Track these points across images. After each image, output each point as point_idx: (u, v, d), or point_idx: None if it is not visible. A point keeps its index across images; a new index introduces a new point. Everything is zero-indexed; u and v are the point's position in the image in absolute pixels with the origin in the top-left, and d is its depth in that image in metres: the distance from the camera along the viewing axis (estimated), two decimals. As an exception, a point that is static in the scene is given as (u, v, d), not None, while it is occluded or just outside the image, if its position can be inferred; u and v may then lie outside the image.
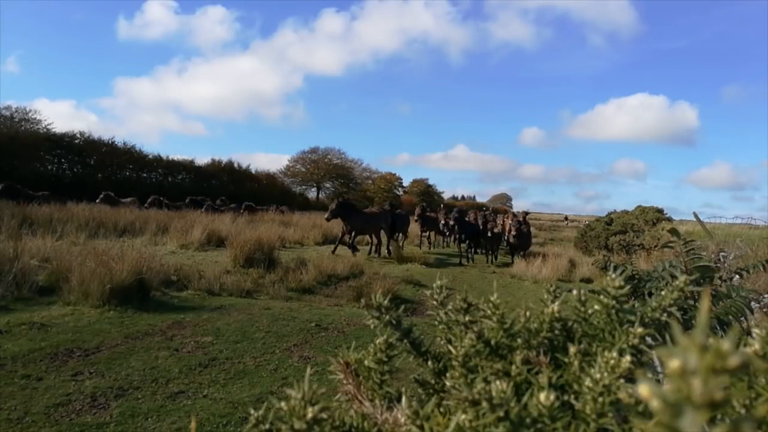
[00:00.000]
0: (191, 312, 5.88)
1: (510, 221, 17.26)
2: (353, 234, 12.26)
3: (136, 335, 4.83)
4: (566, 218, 63.26)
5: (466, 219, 15.25)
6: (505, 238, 14.97)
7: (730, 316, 1.27)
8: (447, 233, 15.28)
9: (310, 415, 0.42)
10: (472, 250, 14.84)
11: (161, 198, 19.56)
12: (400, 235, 15.40)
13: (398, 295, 7.43)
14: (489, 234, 13.94)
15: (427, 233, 16.69)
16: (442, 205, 23.35)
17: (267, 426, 0.44)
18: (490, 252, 14.61)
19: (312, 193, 45.59)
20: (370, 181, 51.30)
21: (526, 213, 20.05)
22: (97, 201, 16.57)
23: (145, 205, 18.13)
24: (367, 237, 14.52)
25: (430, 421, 0.47)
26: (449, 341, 0.62)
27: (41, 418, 3.04)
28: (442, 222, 15.84)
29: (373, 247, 13.54)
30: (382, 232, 13.88)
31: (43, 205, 12.68)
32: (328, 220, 12.30)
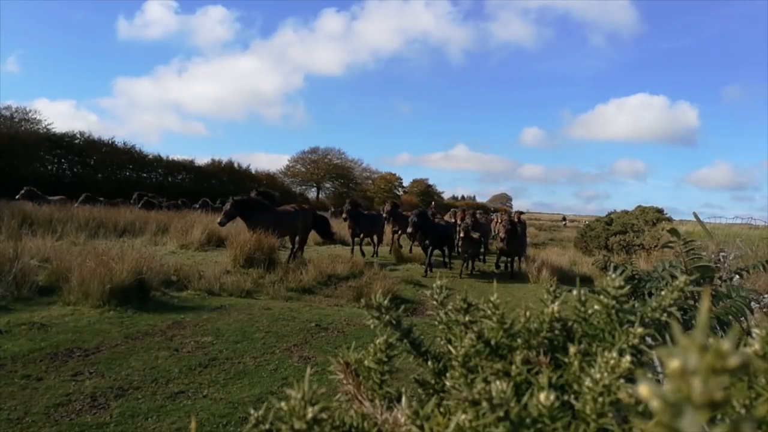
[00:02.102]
0: (191, 312, 5.88)
1: (500, 222, 15.09)
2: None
3: (136, 335, 4.83)
4: (564, 218, 57.08)
5: (436, 219, 12.72)
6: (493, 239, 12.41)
7: (730, 316, 1.27)
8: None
9: (310, 415, 0.42)
10: (446, 256, 12.10)
11: (95, 196, 18.20)
12: (375, 237, 13.47)
13: (398, 295, 7.43)
14: (462, 236, 11.01)
15: (399, 233, 13.98)
16: (433, 203, 22.74)
17: (267, 426, 0.44)
18: (468, 259, 11.57)
19: (312, 193, 45.62)
20: (370, 181, 51.33)
21: (521, 213, 19.03)
22: (17, 197, 14.81)
23: (76, 204, 16.21)
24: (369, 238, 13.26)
25: (430, 421, 0.47)
26: (449, 341, 0.62)
27: (41, 418, 3.04)
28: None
29: (291, 253, 10.69)
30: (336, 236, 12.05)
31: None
32: (221, 224, 9.71)
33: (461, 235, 10.83)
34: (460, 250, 11.64)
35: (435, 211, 16.48)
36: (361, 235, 12.93)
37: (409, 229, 10.97)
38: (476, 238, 11.20)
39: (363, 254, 12.53)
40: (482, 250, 12.83)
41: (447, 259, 12.13)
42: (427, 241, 11.16)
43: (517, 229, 11.40)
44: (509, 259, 11.89)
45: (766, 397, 0.43)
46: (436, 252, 11.85)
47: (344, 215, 12.66)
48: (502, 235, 10.96)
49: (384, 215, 13.12)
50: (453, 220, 14.43)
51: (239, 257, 8.85)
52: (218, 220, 9.89)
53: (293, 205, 11.42)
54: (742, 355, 0.24)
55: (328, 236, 12.50)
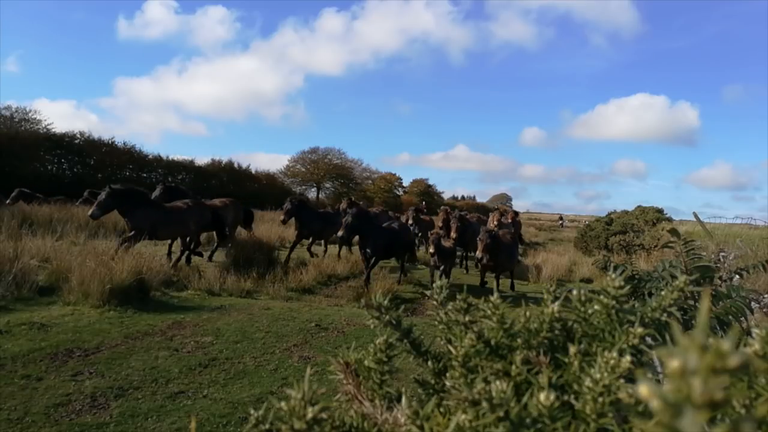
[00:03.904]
0: (191, 312, 5.88)
1: (494, 223, 13.43)
2: (136, 237, 7.87)
3: (136, 335, 4.83)
4: (561, 218, 50.14)
5: (377, 217, 10.35)
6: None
7: (730, 316, 1.27)
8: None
9: (310, 415, 0.42)
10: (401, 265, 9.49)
11: (30, 191, 15.40)
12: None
13: (398, 295, 7.43)
14: (432, 251, 8.39)
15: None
16: (423, 203, 21.72)
17: (267, 426, 0.44)
18: (437, 270, 8.65)
19: (312, 193, 45.56)
20: (370, 182, 51.27)
21: (516, 213, 16.68)
22: None
23: (8, 201, 14.22)
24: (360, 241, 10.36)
25: (430, 421, 0.47)
26: (449, 341, 0.62)
27: (41, 418, 3.04)
28: (409, 222, 12.39)
29: (183, 256, 8.80)
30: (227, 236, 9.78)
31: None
32: (94, 217, 8.05)
33: (431, 250, 8.34)
34: (434, 264, 8.74)
35: (425, 211, 15.61)
36: (311, 238, 10.88)
37: (340, 233, 8.31)
38: (450, 246, 8.82)
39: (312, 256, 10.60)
40: (458, 257, 10.61)
41: (401, 271, 9.45)
42: (368, 249, 8.51)
43: (499, 241, 8.62)
44: (494, 272, 8.93)
45: (766, 397, 0.43)
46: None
47: (282, 216, 10.39)
48: (479, 253, 8.26)
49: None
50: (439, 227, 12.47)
51: (239, 257, 8.85)
52: (89, 211, 8.18)
53: (188, 201, 9.29)
54: (742, 355, 0.24)
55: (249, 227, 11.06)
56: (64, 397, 3.34)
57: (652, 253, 13.06)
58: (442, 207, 15.13)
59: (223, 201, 10.66)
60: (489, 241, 8.23)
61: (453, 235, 10.13)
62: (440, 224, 12.12)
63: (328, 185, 47.32)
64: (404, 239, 9.18)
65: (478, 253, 8.23)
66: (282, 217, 10.47)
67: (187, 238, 8.79)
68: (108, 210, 8.15)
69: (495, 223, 13.79)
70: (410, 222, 13.15)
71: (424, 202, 21.35)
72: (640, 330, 0.55)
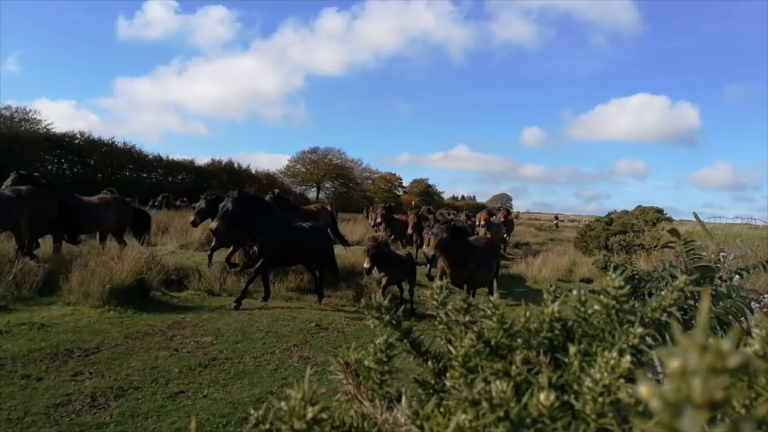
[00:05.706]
0: (191, 312, 5.88)
1: (482, 222, 12.69)
2: None
3: (136, 335, 4.83)
4: (556, 218, 46.01)
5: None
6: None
7: (730, 316, 1.27)
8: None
9: (310, 415, 0.42)
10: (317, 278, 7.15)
11: None
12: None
13: (398, 295, 7.41)
14: (367, 263, 6.04)
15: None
16: (414, 202, 20.37)
17: (267, 426, 0.44)
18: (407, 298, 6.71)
19: (312, 193, 45.58)
20: (370, 182, 51.28)
21: (509, 212, 15.30)
22: None
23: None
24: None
25: (430, 421, 0.47)
26: (449, 341, 0.62)
27: (41, 418, 3.04)
28: (378, 221, 11.54)
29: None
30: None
31: None
32: None
33: (366, 260, 6.05)
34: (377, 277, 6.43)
35: (420, 208, 14.63)
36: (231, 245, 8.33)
37: (214, 224, 6.37)
38: (401, 256, 6.75)
39: (234, 266, 8.14)
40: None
41: (318, 283, 7.18)
42: (254, 247, 6.54)
43: (464, 240, 6.29)
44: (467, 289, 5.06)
45: (766, 397, 0.43)
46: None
47: (193, 217, 8.10)
48: (428, 249, 5.95)
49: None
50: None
51: (239, 257, 8.84)
52: None
53: (22, 188, 6.90)
54: (742, 355, 0.24)
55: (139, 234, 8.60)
56: (64, 397, 3.34)
57: (652, 253, 13.05)
58: (410, 209, 12.80)
59: (104, 198, 8.47)
60: (445, 236, 5.78)
61: (427, 249, 7.39)
62: (410, 230, 10.55)
63: (328, 185, 47.32)
64: (313, 243, 6.89)
65: (428, 250, 5.84)
66: (192, 218, 8.10)
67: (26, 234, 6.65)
68: None
69: (482, 222, 13.18)
70: (378, 221, 12.08)
71: (414, 202, 20.79)
72: (640, 330, 0.55)
